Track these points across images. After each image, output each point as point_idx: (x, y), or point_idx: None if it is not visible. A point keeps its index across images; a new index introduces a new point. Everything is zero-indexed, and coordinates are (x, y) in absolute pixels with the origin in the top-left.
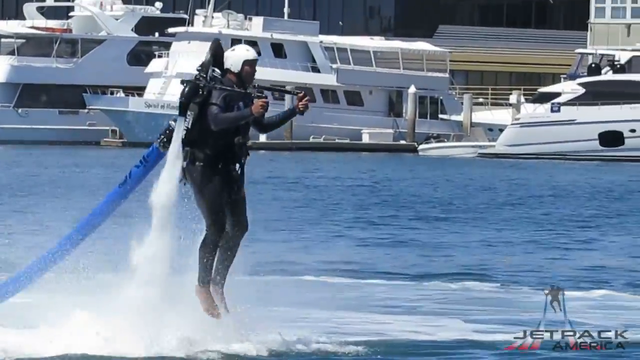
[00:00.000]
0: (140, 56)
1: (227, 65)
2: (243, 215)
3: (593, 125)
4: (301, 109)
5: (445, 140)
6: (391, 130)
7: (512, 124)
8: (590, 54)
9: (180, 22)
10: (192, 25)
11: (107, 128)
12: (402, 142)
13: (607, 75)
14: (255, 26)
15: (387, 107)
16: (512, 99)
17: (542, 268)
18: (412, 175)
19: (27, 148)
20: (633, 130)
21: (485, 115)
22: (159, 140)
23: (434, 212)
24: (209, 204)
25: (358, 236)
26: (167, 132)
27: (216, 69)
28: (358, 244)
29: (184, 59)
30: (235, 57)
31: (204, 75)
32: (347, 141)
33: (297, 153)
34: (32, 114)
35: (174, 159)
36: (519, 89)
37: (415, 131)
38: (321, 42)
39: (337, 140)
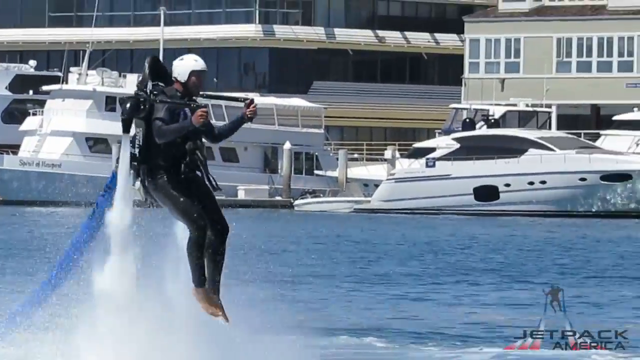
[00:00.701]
0: (14, 114)
1: (174, 74)
2: (217, 214)
3: (468, 180)
4: (249, 115)
5: (321, 195)
6: (267, 187)
7: (387, 179)
8: (464, 108)
9: (55, 79)
10: (67, 82)
11: None
12: (278, 197)
13: (482, 130)
14: (130, 83)
15: (262, 163)
16: (387, 154)
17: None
18: (286, 232)
19: None
20: (508, 185)
21: (361, 171)
22: (116, 164)
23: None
24: (181, 206)
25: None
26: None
27: (159, 83)
28: None
29: (59, 116)
30: (182, 67)
31: (144, 90)
32: (223, 197)
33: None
34: None
35: (124, 179)
36: (394, 144)
37: (291, 187)
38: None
39: None
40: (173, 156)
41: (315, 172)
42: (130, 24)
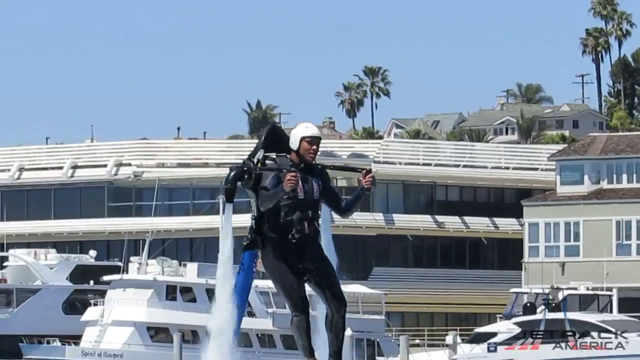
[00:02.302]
0: (75, 304)
1: (290, 144)
2: (333, 288)
3: None
4: (366, 186)
5: None
6: None
7: None
8: (525, 293)
9: (115, 269)
10: (127, 272)
11: None
12: None
13: (543, 314)
14: (190, 272)
15: None
16: (449, 339)
17: None
18: None
19: None
20: None
21: (422, 357)
22: (245, 239)
23: None
24: (280, 282)
25: None
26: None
27: (277, 153)
28: None
29: (120, 306)
30: (294, 135)
31: (252, 159)
32: None
33: None
34: None
35: (228, 250)
36: (455, 329)
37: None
38: (256, 286)
39: None
40: (281, 227)
41: (377, 358)
42: (189, 213)
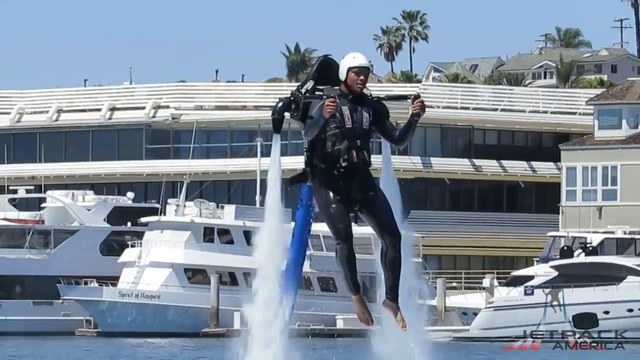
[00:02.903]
0: (113, 246)
1: (339, 75)
2: (385, 218)
3: (567, 307)
4: (414, 111)
5: None
6: None
7: (485, 308)
8: (562, 236)
9: (153, 211)
10: (165, 214)
11: (82, 318)
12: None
13: (580, 257)
14: (228, 214)
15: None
16: (486, 282)
17: None
18: None
19: (4, 340)
20: (607, 312)
21: (459, 300)
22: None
23: None
24: (326, 211)
25: None
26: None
27: (327, 84)
28: None
29: (157, 248)
30: (342, 66)
31: (300, 90)
32: (322, 327)
33: None
34: (6, 306)
35: (275, 182)
36: (492, 273)
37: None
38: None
39: (311, 327)
40: (329, 156)
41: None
42: (227, 155)
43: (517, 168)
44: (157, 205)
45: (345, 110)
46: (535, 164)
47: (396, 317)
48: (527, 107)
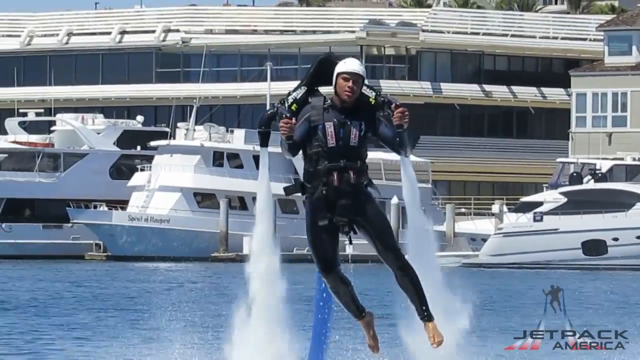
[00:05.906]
0: (122, 170)
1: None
2: (381, 242)
3: (576, 234)
4: (395, 122)
5: None
6: None
7: (495, 234)
8: (571, 163)
9: (162, 135)
10: (174, 138)
11: (91, 242)
12: None
13: (589, 184)
14: (237, 139)
15: None
16: (495, 208)
17: None
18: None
19: (15, 264)
20: (616, 239)
21: (468, 225)
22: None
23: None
24: (308, 241)
25: None
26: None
27: (316, 91)
28: None
29: (167, 172)
30: (336, 71)
31: (287, 98)
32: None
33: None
34: (16, 229)
35: (264, 195)
36: (502, 199)
37: (399, 242)
38: None
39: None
40: (313, 176)
41: None
42: (237, 79)
43: (527, 94)
44: (167, 129)
45: (329, 127)
46: (545, 89)
47: (432, 338)
48: (537, 33)
